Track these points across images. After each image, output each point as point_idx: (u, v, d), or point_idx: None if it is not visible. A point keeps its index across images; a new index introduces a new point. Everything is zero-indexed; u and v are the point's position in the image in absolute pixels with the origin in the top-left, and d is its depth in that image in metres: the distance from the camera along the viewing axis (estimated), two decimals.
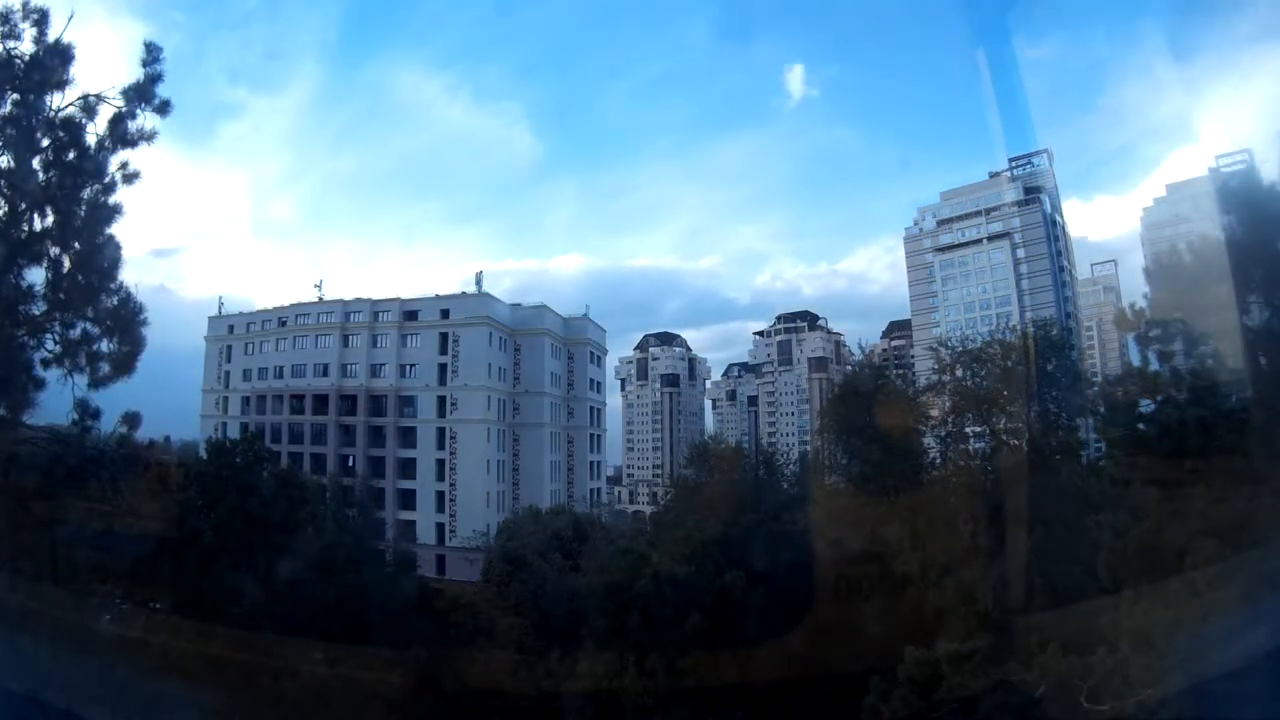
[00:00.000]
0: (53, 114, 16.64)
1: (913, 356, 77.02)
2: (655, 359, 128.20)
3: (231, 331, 67.50)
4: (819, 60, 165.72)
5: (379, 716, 18.87)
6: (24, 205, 16.53)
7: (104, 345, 16.98)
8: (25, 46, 16.10)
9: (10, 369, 16.04)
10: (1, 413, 16.38)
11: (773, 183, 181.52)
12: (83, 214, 17.06)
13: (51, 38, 16.21)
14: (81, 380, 16.68)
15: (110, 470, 18.16)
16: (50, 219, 16.82)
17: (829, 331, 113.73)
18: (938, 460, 22.68)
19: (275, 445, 53.48)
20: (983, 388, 21.80)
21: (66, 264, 16.93)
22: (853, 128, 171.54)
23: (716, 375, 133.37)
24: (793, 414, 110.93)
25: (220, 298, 75.30)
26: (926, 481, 21.70)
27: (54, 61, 16.28)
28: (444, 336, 60.22)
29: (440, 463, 58.86)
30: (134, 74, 16.93)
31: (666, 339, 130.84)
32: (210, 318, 69.22)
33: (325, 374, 62.32)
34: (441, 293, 62.59)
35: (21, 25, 15.96)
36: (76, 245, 17.06)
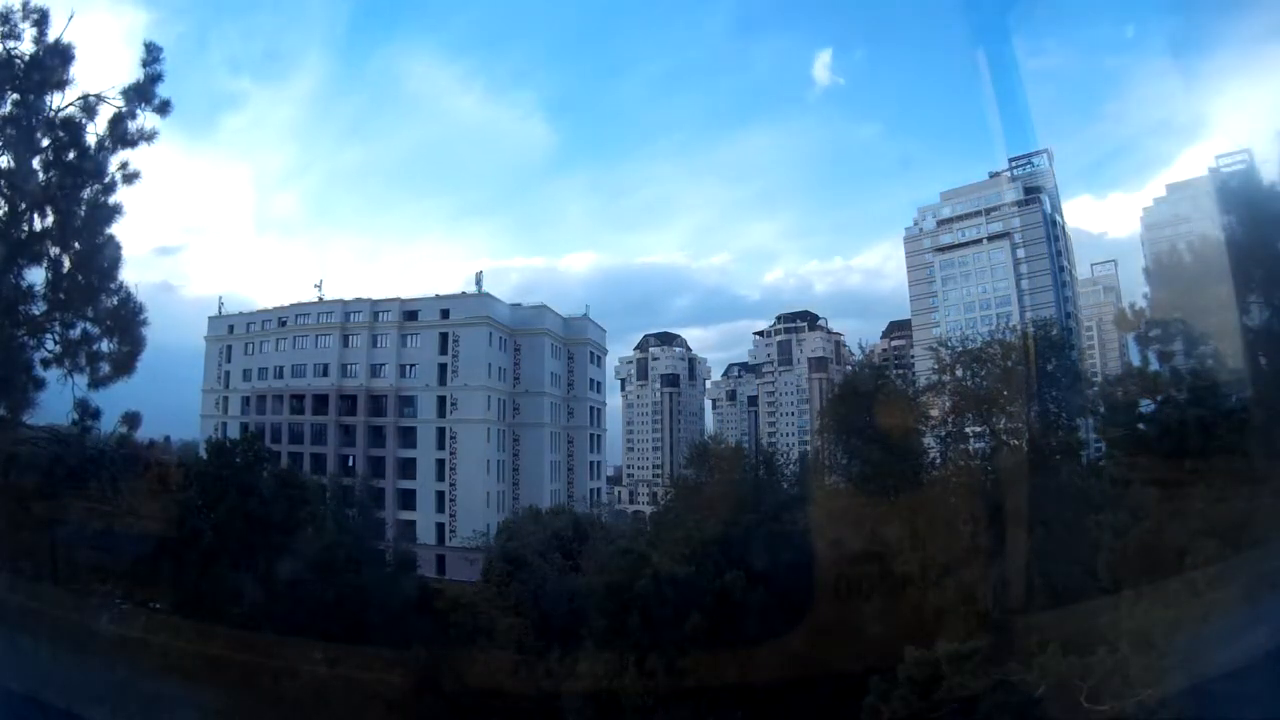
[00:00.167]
0: (53, 114, 16.64)
1: (913, 356, 77.02)
2: (655, 359, 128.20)
3: (231, 331, 67.50)
4: (818, 55, 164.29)
5: (379, 716, 18.87)
6: (24, 205, 16.53)
7: (104, 345, 17.00)
8: (25, 46, 16.12)
9: (10, 369, 16.05)
10: (1, 413, 16.39)
11: (784, 179, 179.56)
12: (83, 214, 17.06)
13: (51, 38, 16.23)
14: (81, 380, 16.70)
15: (110, 470, 18.16)
16: (50, 219, 16.82)
17: (829, 331, 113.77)
18: (938, 460, 22.67)
19: (275, 445, 53.46)
20: (983, 388, 21.80)
21: (66, 264, 16.94)
22: (861, 124, 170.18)
23: (716, 375, 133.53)
24: (793, 414, 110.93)
25: (220, 297, 75.45)
26: (926, 481, 21.69)
27: (54, 61, 16.28)
28: (444, 336, 60.22)
29: (440, 463, 58.87)
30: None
31: (666, 339, 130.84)
32: (210, 318, 69.28)
33: (325, 374, 62.33)
34: (443, 292, 62.69)
35: (21, 25, 15.98)
36: (76, 245, 17.07)
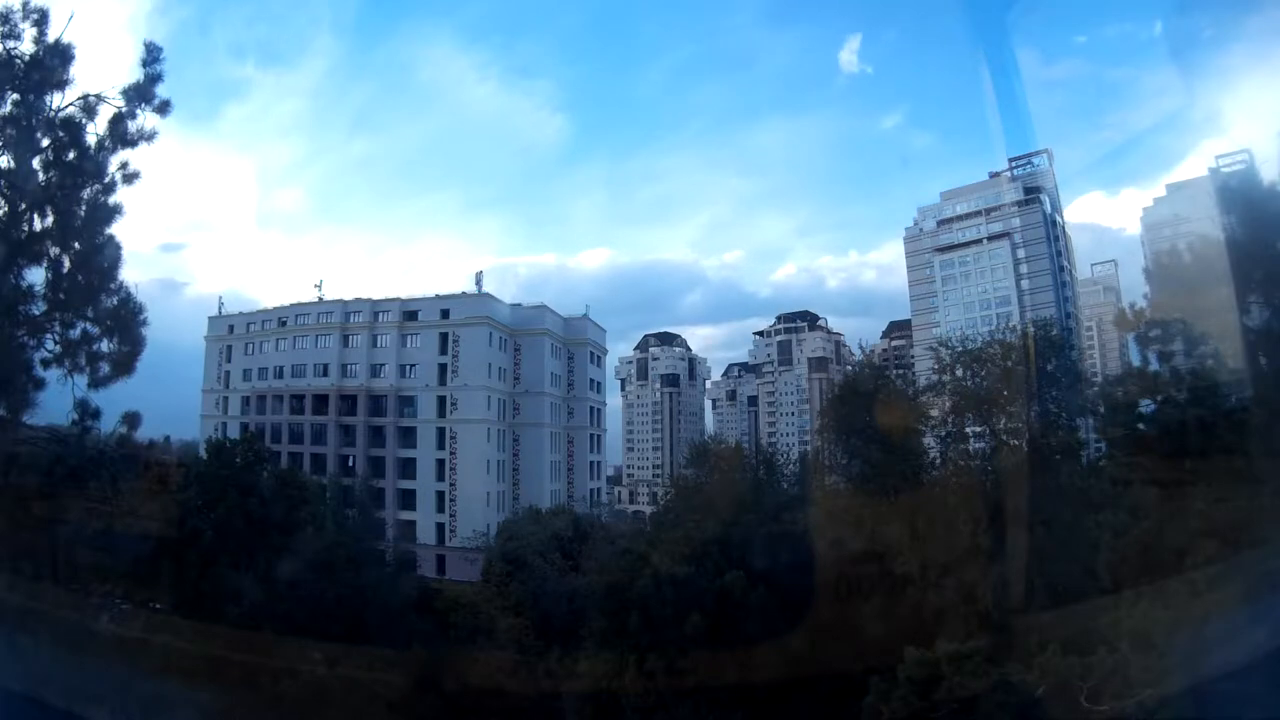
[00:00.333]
0: (53, 114, 16.67)
1: (913, 356, 76.99)
2: (655, 359, 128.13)
3: (231, 331, 67.47)
4: (834, 47, 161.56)
5: (379, 716, 18.85)
6: (24, 205, 16.55)
7: (104, 345, 17.03)
8: (25, 46, 16.14)
9: (10, 369, 16.05)
10: (1, 413, 16.39)
11: (797, 173, 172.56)
12: (83, 214, 17.07)
13: (51, 38, 16.24)
14: (81, 380, 16.73)
15: (110, 470, 18.21)
16: (50, 219, 16.86)
17: (829, 331, 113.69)
18: (938, 460, 22.67)
19: (275, 445, 53.50)
20: (983, 388, 21.81)
21: (66, 264, 16.96)
22: (873, 118, 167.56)
23: (717, 375, 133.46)
24: (793, 414, 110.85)
25: (220, 297, 75.30)
26: (926, 481, 21.69)
27: (54, 61, 16.30)
28: (444, 336, 60.19)
29: (440, 463, 58.84)
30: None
31: (666, 339, 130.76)
32: (210, 317, 69.21)
33: (325, 374, 62.29)
34: (446, 291, 62.68)
35: (21, 25, 16.01)
36: (76, 245, 17.09)
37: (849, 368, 60.28)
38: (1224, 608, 11.61)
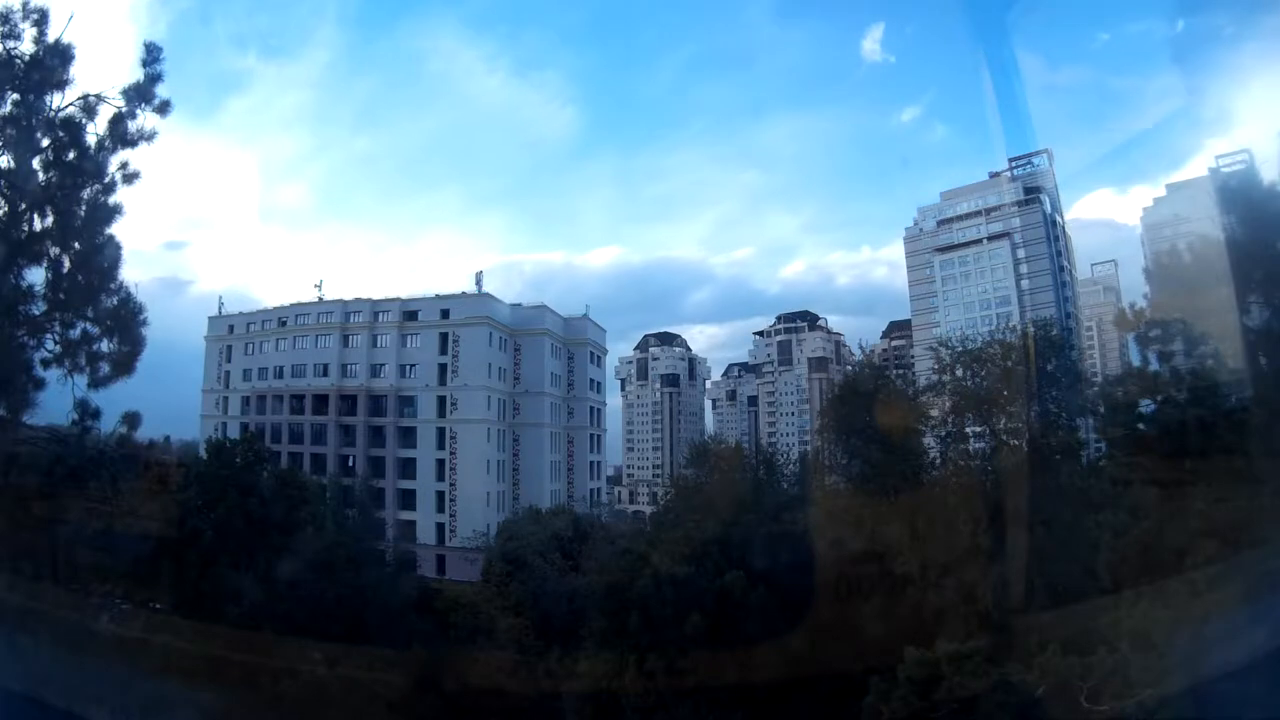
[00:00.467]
0: (53, 114, 16.67)
1: (913, 356, 76.98)
2: (655, 359, 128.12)
3: (231, 331, 67.48)
4: (828, 50, 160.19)
5: (379, 716, 18.85)
6: (24, 205, 16.55)
7: (104, 345, 17.03)
8: (25, 46, 16.14)
9: (10, 369, 16.05)
10: (1, 413, 16.39)
11: (805, 171, 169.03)
12: (83, 214, 17.08)
13: (51, 38, 16.24)
14: (81, 380, 16.73)
15: (110, 470, 18.21)
16: (50, 219, 16.86)
17: (829, 331, 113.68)
18: (938, 460, 22.67)
19: (275, 445, 53.50)
20: (983, 388, 21.80)
21: (66, 264, 16.96)
22: (877, 114, 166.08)
23: (717, 375, 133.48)
24: (793, 414, 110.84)
25: (220, 297, 75.25)
26: (926, 481, 21.68)
27: (54, 61, 16.30)
28: (444, 336, 60.20)
29: (440, 463, 58.84)
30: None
31: (666, 339, 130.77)
32: (210, 317, 69.20)
33: (325, 374, 62.30)
34: (446, 290, 62.72)
35: (21, 25, 16.01)
36: (76, 245, 17.09)
37: (849, 368, 60.30)
38: (1224, 608, 11.62)
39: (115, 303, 17.13)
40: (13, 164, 16.40)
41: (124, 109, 16.91)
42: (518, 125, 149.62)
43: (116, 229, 17.36)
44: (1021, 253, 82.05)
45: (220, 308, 69.52)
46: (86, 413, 16.99)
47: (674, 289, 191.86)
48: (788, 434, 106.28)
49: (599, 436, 73.52)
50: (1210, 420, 15.24)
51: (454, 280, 75.49)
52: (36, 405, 16.65)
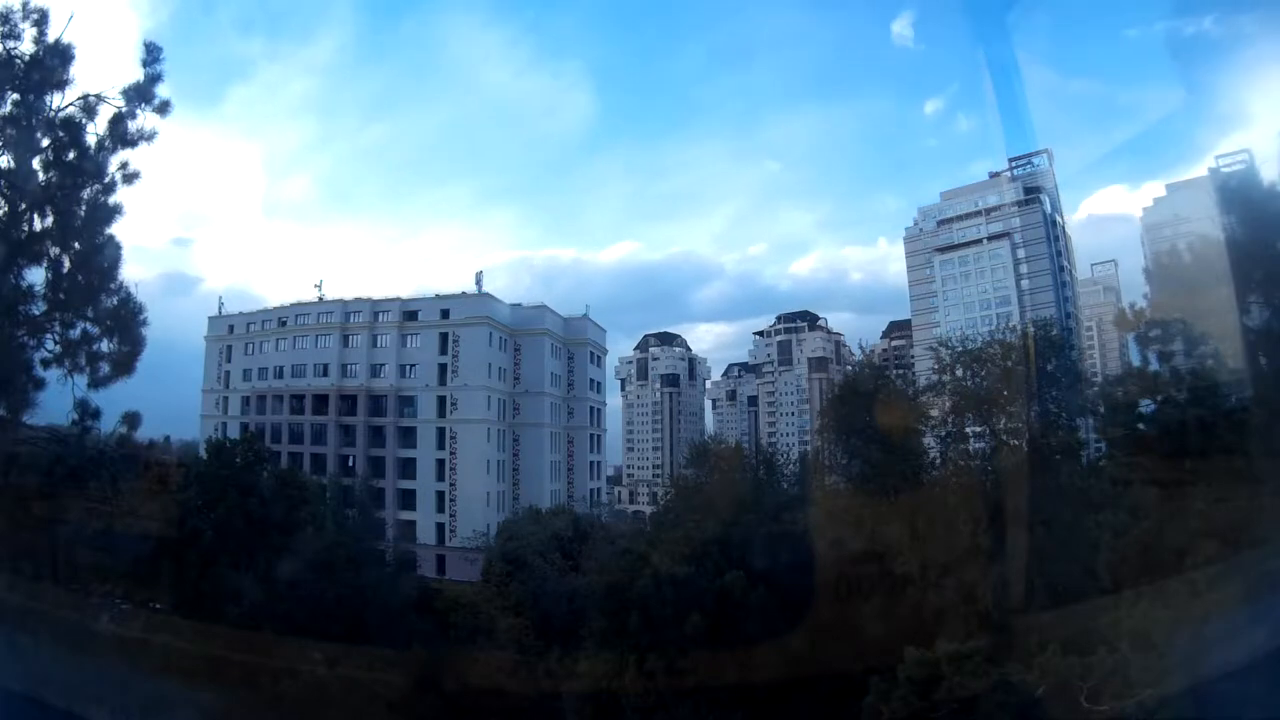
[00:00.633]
0: (53, 114, 16.67)
1: (913, 356, 76.99)
2: (655, 359, 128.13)
3: (231, 331, 67.49)
4: (834, 47, 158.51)
5: (379, 716, 18.86)
6: (24, 205, 16.55)
7: (104, 345, 17.03)
8: (25, 46, 16.15)
9: (10, 369, 16.06)
10: (1, 413, 16.40)
11: (816, 166, 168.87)
12: (83, 214, 17.08)
13: (51, 38, 16.25)
14: (81, 380, 16.74)
15: (110, 470, 18.21)
16: (50, 219, 16.86)
17: (829, 331, 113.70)
18: (938, 460, 22.66)
19: (275, 445, 53.50)
20: (983, 388, 21.80)
21: (66, 264, 16.97)
22: (880, 112, 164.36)
23: (717, 375, 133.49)
24: (793, 414, 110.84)
25: (220, 297, 75.22)
26: (926, 481, 21.68)
27: (54, 61, 16.31)
28: (444, 336, 60.20)
29: (440, 463, 58.84)
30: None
31: (667, 339, 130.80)
32: (210, 317, 69.21)
33: (325, 374, 62.29)
34: (444, 291, 62.73)
35: (21, 25, 16.01)
36: (76, 245, 17.09)
37: (849, 368, 60.30)
38: (1224, 608, 11.61)
39: (115, 303, 17.15)
40: (13, 164, 16.41)
41: (124, 109, 16.94)
42: (532, 118, 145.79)
43: (119, 228, 17.43)
44: (1021, 253, 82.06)
45: (220, 308, 69.61)
46: (86, 413, 17.01)
47: (684, 286, 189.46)
48: (788, 434, 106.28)
49: (599, 436, 73.52)
50: (1210, 420, 15.24)
51: (462, 277, 74.85)
52: (36, 405, 16.69)
